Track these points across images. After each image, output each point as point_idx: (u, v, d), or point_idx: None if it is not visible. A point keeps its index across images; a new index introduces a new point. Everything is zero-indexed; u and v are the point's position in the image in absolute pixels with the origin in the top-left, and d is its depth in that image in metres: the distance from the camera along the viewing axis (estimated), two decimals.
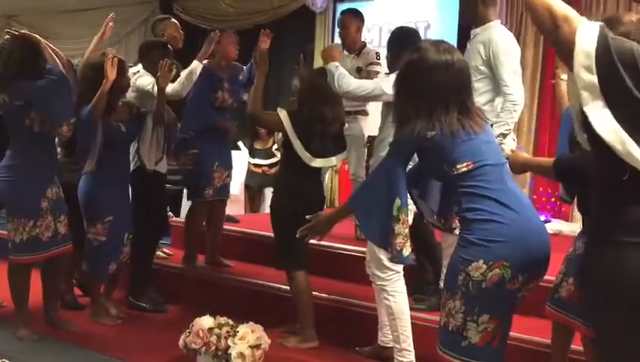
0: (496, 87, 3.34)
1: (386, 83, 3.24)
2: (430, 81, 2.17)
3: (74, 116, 3.49)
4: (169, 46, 4.25)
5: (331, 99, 3.56)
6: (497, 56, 3.29)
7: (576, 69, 1.63)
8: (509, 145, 3.30)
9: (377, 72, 4.36)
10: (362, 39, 4.78)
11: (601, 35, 1.62)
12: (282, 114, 3.55)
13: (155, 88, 3.96)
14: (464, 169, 2.10)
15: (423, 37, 6.74)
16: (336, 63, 3.42)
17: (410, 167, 2.33)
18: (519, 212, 2.08)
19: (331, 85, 3.40)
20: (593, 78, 1.61)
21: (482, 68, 3.33)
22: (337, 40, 7.47)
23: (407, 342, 3.09)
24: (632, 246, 1.64)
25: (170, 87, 4.06)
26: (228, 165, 4.48)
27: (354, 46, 4.61)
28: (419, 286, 3.57)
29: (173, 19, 4.81)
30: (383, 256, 3.08)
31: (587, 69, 1.61)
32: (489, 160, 2.13)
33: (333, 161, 3.65)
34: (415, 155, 2.29)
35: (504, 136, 3.24)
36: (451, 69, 2.18)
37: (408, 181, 2.28)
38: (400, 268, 3.13)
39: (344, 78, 3.36)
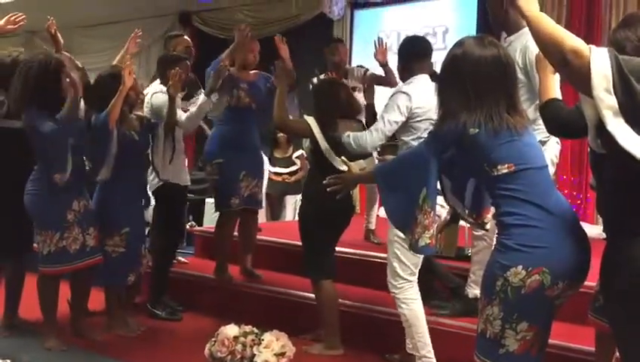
0: (533, 95, 3.18)
1: (388, 113, 3.22)
2: (478, 75, 2.10)
3: (65, 170, 3.48)
4: (187, 61, 4.24)
5: (351, 104, 3.59)
6: (534, 63, 3.20)
7: (597, 93, 1.78)
8: (552, 150, 3.25)
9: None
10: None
11: (613, 58, 1.78)
12: (310, 120, 3.53)
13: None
14: (505, 170, 2.04)
15: (441, 42, 6.79)
16: (346, 133, 3.35)
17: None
18: (560, 217, 2.03)
19: (352, 151, 3.31)
20: (613, 99, 1.77)
21: (520, 76, 3.13)
22: (355, 48, 7.55)
23: (426, 349, 3.07)
24: None
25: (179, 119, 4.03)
26: (257, 174, 4.38)
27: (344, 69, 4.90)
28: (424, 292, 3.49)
29: (184, 37, 4.80)
30: (397, 265, 3.12)
31: (607, 90, 1.77)
32: (530, 163, 2.07)
33: (363, 163, 3.55)
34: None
35: (543, 143, 3.11)
36: (499, 61, 2.11)
37: (442, 167, 2.23)
38: (414, 277, 3.13)
39: (359, 139, 3.26)
